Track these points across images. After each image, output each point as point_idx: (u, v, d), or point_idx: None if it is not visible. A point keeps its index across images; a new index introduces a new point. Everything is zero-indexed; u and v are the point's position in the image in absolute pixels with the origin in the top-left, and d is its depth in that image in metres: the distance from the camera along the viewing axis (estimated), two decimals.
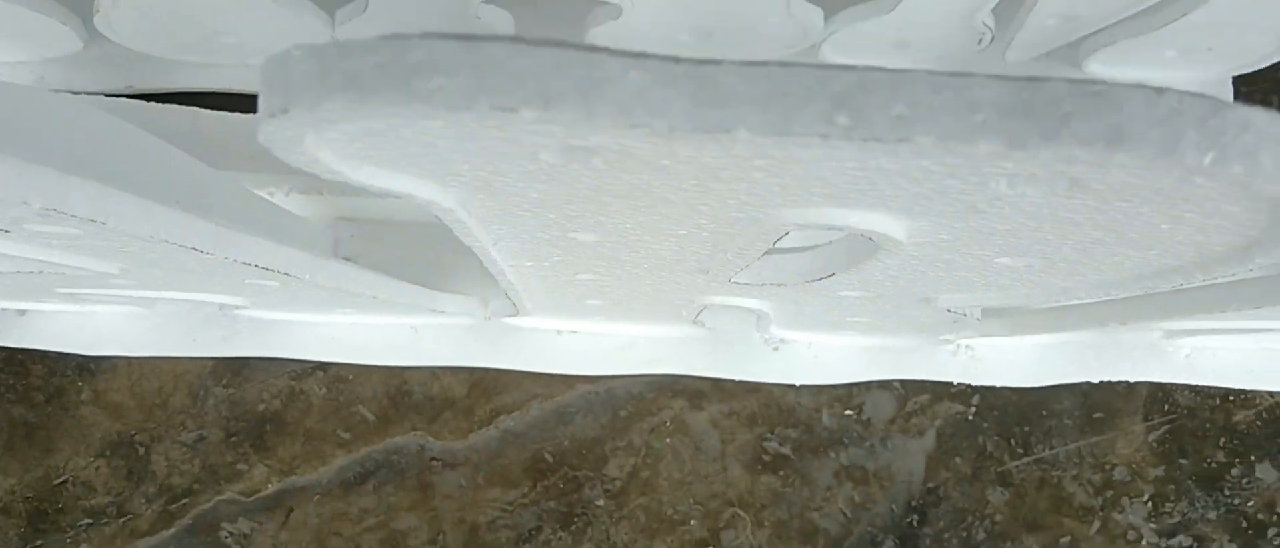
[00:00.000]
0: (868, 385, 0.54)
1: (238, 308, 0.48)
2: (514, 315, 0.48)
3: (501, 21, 0.51)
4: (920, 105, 0.13)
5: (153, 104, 0.56)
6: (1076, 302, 0.29)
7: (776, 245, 0.24)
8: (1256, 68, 0.56)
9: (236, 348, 0.54)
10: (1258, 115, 0.14)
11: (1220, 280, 0.36)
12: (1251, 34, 0.52)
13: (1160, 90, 0.14)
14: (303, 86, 0.14)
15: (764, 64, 0.14)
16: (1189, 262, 0.21)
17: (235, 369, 0.54)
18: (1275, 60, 0.55)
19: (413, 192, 0.20)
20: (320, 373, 0.54)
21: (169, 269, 0.35)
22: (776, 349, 0.55)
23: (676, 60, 0.14)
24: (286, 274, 0.36)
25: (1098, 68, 0.57)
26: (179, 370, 0.54)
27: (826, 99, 0.13)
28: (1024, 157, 0.13)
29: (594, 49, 0.14)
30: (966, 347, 0.55)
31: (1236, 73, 0.58)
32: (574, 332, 0.55)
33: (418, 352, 0.54)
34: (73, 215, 0.23)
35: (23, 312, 0.53)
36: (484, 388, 0.54)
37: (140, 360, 0.54)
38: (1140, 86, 0.14)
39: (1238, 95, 0.59)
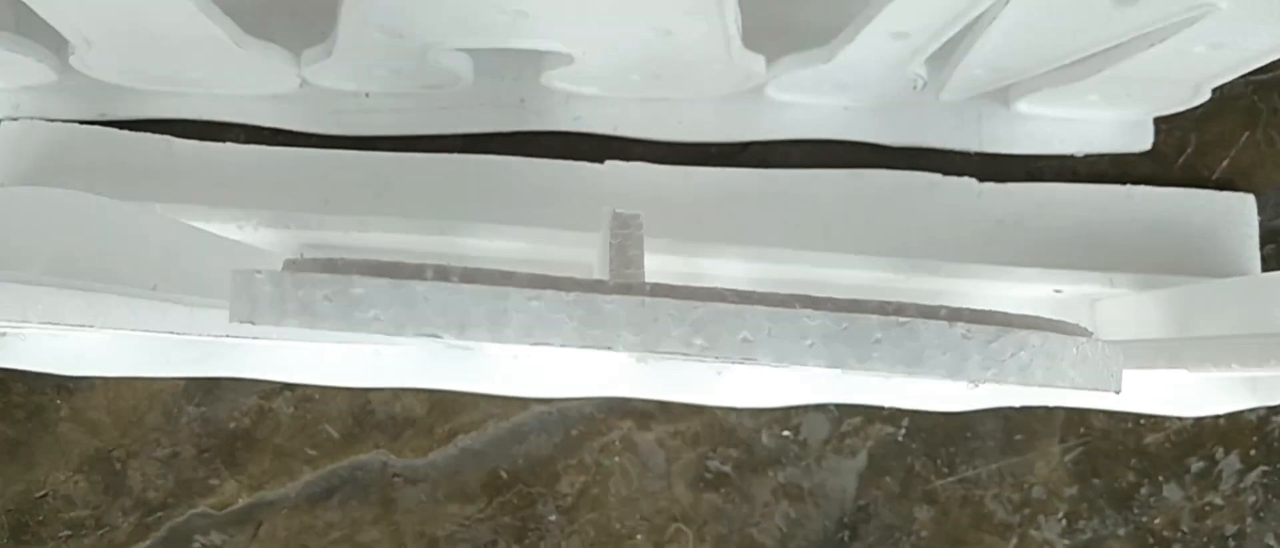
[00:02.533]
0: (805, 408, 0.58)
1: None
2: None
3: (462, 67, 0.54)
4: (760, 332, 0.17)
5: (126, 132, 0.58)
6: None
7: None
8: (1175, 111, 0.60)
9: (209, 369, 0.57)
10: (1032, 337, 0.17)
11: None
12: (1167, 85, 0.56)
13: (953, 322, 0.17)
14: (265, 307, 0.17)
15: (640, 295, 0.17)
16: None
17: (207, 389, 0.57)
18: (1193, 105, 0.58)
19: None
20: (288, 393, 0.57)
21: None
22: (719, 374, 0.59)
23: (570, 287, 0.17)
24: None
25: (1026, 107, 0.60)
26: (154, 390, 0.57)
27: (687, 325, 0.17)
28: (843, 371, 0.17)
29: (506, 279, 0.17)
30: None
31: (1156, 115, 0.61)
32: (530, 356, 0.58)
33: (381, 373, 0.57)
34: (67, 323, 0.26)
35: (2, 335, 0.56)
36: (443, 408, 0.57)
37: (117, 380, 0.56)
38: (937, 319, 0.17)
39: (1158, 131, 0.63)
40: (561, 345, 0.17)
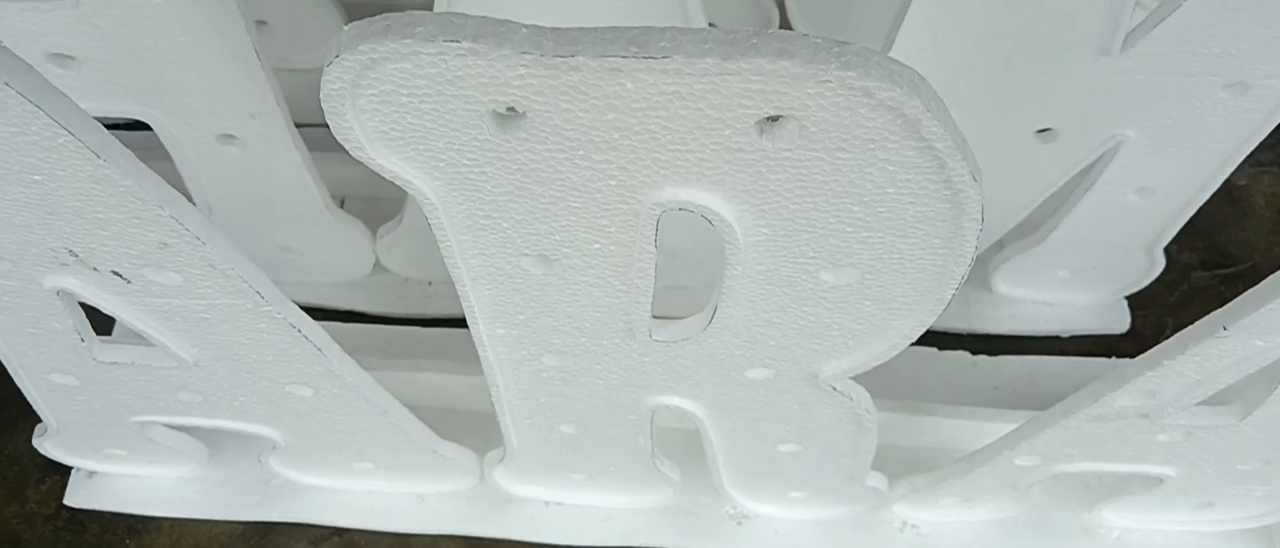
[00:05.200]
0: None
1: (272, 449, 0.56)
2: (501, 460, 0.56)
3: None
4: (680, 41, 0.25)
5: None
6: (899, 334, 0.38)
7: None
8: (1139, 287, 0.67)
9: (267, 513, 0.62)
10: (871, 52, 0.25)
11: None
12: (1121, 253, 0.64)
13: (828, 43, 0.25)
14: (350, 38, 0.26)
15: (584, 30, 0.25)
16: (919, 237, 0.32)
17: (262, 532, 0.61)
18: (1153, 275, 0.65)
19: (410, 178, 0.31)
20: (336, 537, 0.61)
21: (230, 364, 0.45)
22: (740, 524, 0.62)
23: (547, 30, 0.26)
24: (321, 372, 0.46)
25: (1005, 288, 0.68)
26: (214, 532, 0.61)
27: (626, 40, 0.25)
28: (732, 66, 0.25)
29: (510, 26, 0.26)
30: (912, 525, 0.62)
31: (1125, 293, 0.68)
32: (561, 504, 0.62)
33: (422, 519, 0.62)
34: (185, 231, 0.34)
35: (91, 474, 0.62)
36: None
37: (181, 522, 0.61)
38: (813, 39, 0.25)
39: (1136, 316, 0.69)
40: (546, 55, 0.25)
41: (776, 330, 0.39)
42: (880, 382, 0.63)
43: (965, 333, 0.69)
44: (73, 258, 0.37)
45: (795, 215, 0.31)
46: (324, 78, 0.27)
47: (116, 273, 0.38)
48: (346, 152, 0.31)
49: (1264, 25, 0.47)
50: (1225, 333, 0.39)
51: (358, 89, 0.27)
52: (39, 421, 0.56)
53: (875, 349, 0.39)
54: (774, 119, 0.27)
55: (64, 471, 0.62)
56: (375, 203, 0.68)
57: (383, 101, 0.28)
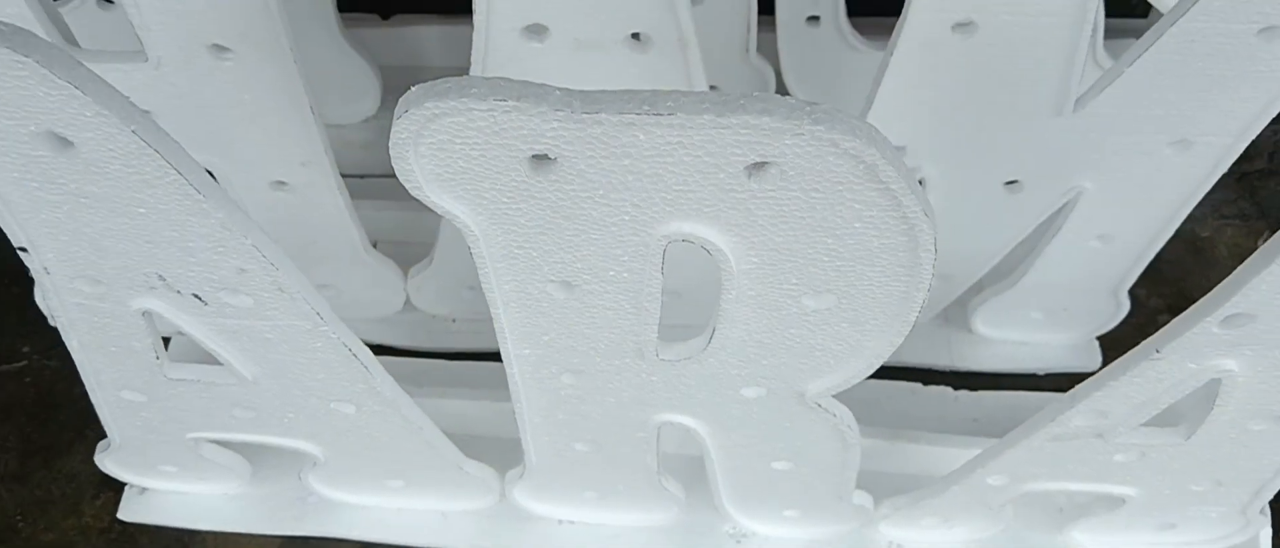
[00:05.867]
0: None
1: (312, 466, 0.62)
2: (521, 478, 0.62)
3: None
4: (682, 101, 0.31)
5: None
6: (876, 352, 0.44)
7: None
8: (1107, 328, 0.73)
9: (303, 528, 0.67)
10: (836, 112, 0.31)
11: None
12: (1088, 296, 0.70)
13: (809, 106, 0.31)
14: (417, 97, 0.32)
15: (612, 92, 0.32)
16: (883, 265, 0.38)
17: (298, 546, 0.67)
18: (1120, 317, 0.71)
19: (458, 212, 0.37)
20: None
21: (284, 382, 0.51)
22: (739, 543, 0.67)
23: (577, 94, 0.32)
24: (365, 390, 0.52)
25: (984, 329, 0.74)
26: (254, 545, 0.67)
27: (639, 100, 0.31)
28: (724, 122, 0.31)
29: (546, 88, 0.32)
30: (898, 545, 0.67)
31: (1095, 333, 0.74)
32: (573, 522, 0.67)
33: (446, 534, 0.67)
34: (263, 258, 0.41)
35: (143, 491, 0.68)
36: None
37: (224, 536, 0.67)
38: (791, 100, 0.31)
39: (1105, 355, 0.75)
40: (578, 111, 0.32)
41: (767, 351, 0.45)
42: (870, 413, 0.68)
43: (948, 370, 0.75)
44: (161, 282, 0.44)
45: (779, 246, 0.38)
46: (393, 128, 0.33)
47: (197, 295, 0.44)
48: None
49: (1200, 89, 0.53)
50: (1158, 356, 0.45)
51: (420, 138, 0.34)
52: (94, 443, 0.62)
53: (853, 368, 0.45)
54: (759, 165, 0.34)
55: (117, 487, 0.68)
56: (405, 246, 0.75)
57: (440, 149, 0.34)
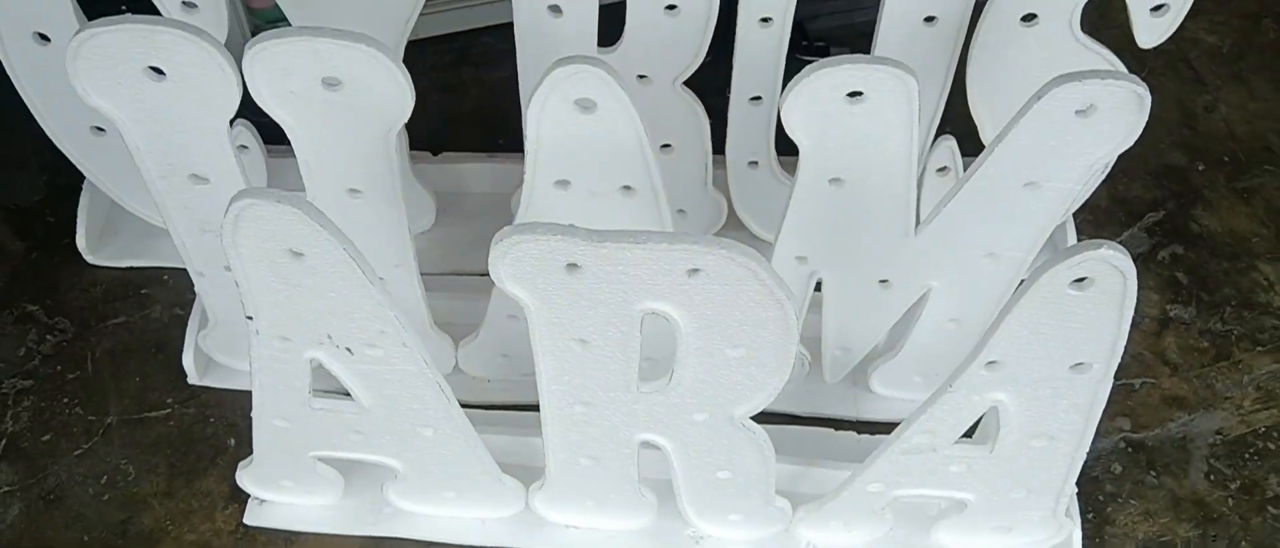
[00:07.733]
0: None
1: (392, 479, 0.87)
2: (541, 489, 0.87)
3: None
4: (654, 236, 0.59)
5: None
6: None
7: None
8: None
9: (380, 530, 0.92)
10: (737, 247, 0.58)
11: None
12: (953, 364, 0.96)
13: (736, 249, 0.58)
14: (506, 233, 0.59)
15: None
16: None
17: (375, 544, 0.91)
18: None
19: (523, 297, 0.64)
20: None
21: (388, 411, 0.77)
22: (697, 543, 0.92)
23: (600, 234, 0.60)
24: (443, 416, 0.77)
25: (879, 388, 1.00)
26: (342, 544, 0.91)
27: (630, 235, 0.59)
28: (675, 248, 0.58)
29: (576, 227, 0.60)
30: (813, 545, 0.91)
31: None
32: (576, 527, 0.92)
33: (484, 535, 0.92)
34: (396, 321, 0.67)
35: (262, 502, 0.92)
36: None
37: (319, 536, 0.91)
38: (711, 237, 0.58)
39: None
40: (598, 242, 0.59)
41: (707, 386, 0.71)
42: (793, 450, 0.94)
43: (853, 420, 1.01)
44: (328, 339, 0.70)
45: (710, 317, 0.64)
46: (491, 253, 0.60)
47: (348, 348, 0.71)
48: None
49: (995, 219, 0.81)
50: (951, 390, 0.71)
51: (506, 254, 0.61)
52: (223, 469, 0.87)
53: (761, 397, 0.71)
54: (695, 270, 0.61)
55: (241, 500, 0.92)
56: (453, 326, 1.01)
57: (516, 260, 0.61)
